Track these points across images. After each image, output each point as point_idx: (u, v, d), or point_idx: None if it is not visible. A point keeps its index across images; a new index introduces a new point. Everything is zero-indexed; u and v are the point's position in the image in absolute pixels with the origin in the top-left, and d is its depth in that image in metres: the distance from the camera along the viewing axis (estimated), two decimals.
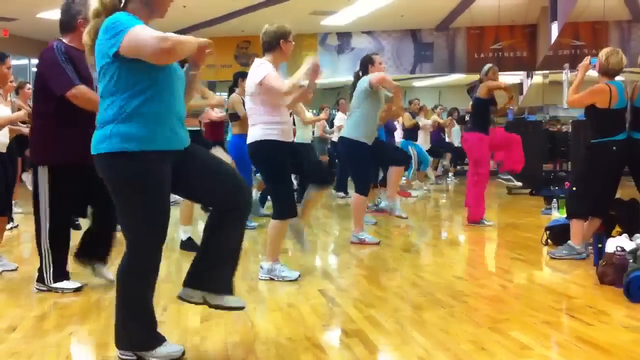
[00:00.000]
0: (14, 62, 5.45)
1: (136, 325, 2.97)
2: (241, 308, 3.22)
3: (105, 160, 2.83)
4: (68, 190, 4.35)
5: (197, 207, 6.46)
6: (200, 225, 6.80)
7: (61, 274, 4.42)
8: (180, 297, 3.19)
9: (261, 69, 4.59)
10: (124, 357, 2.98)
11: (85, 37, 2.90)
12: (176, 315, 3.69)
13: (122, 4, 2.87)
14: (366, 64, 6.40)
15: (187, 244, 5.82)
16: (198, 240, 5.23)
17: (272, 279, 4.72)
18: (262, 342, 3.25)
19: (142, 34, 2.68)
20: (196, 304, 3.19)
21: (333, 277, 4.89)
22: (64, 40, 4.38)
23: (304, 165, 4.95)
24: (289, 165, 4.76)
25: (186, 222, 5.95)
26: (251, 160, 4.95)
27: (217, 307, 3.16)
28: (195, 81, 3.20)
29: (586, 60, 5.35)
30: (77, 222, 6.39)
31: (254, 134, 4.70)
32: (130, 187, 2.84)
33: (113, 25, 2.73)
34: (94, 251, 4.59)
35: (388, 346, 3.22)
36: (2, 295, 4.42)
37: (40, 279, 4.42)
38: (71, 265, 4.56)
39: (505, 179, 7.93)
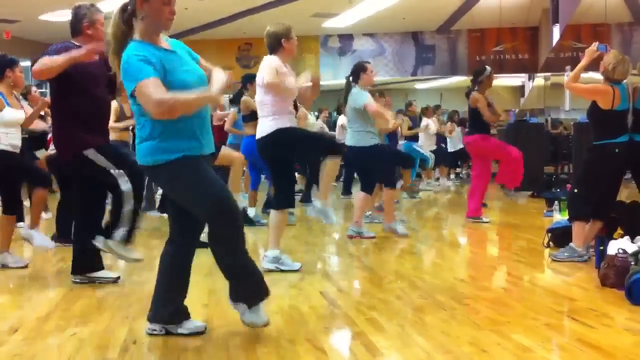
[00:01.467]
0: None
1: (171, 300, 3.38)
2: (264, 325, 3.42)
3: (150, 171, 3.30)
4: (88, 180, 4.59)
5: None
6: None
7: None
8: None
9: (271, 65, 4.82)
10: (153, 332, 3.38)
11: (111, 58, 3.24)
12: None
13: (127, 27, 3.19)
14: (358, 72, 6.58)
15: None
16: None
17: (276, 268, 4.94)
18: (263, 344, 3.25)
19: (146, 94, 3.02)
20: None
21: (334, 279, 4.88)
22: (74, 42, 4.58)
23: (309, 145, 5.04)
24: (293, 159, 5.06)
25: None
26: (260, 155, 5.14)
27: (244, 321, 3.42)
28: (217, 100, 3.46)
29: (593, 45, 5.32)
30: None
31: (264, 128, 4.90)
32: (178, 183, 3.25)
33: (125, 69, 3.10)
34: (85, 266, 4.72)
35: (389, 348, 3.21)
36: (3, 297, 4.42)
37: (77, 271, 4.63)
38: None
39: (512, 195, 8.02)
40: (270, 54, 4.95)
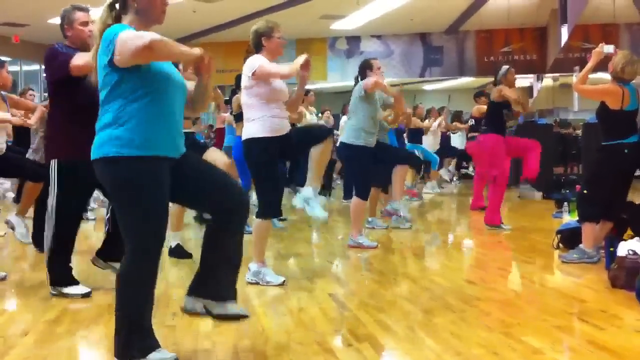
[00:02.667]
0: (25, 67, 5.61)
1: (130, 332, 2.89)
2: (244, 317, 3.32)
3: (103, 164, 2.87)
4: (76, 189, 4.38)
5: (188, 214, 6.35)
6: (189, 232, 6.79)
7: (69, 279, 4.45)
8: (184, 310, 3.28)
9: (254, 60, 4.56)
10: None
11: (92, 57, 2.97)
12: (187, 320, 3.69)
13: (115, 18, 2.96)
14: (364, 69, 6.37)
15: (175, 251, 5.71)
16: (187, 247, 5.23)
17: (257, 283, 4.65)
18: (272, 347, 3.25)
19: (124, 37, 2.75)
20: (199, 314, 3.25)
21: (343, 282, 4.88)
22: (65, 44, 4.52)
23: (296, 140, 4.77)
24: (276, 163, 4.69)
25: (175, 228, 5.78)
26: (244, 158, 4.77)
27: (219, 316, 3.25)
28: (208, 89, 3.24)
29: (600, 47, 5.30)
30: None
31: (248, 131, 4.63)
32: (128, 191, 2.87)
33: (106, 36, 2.82)
34: (112, 252, 4.58)
35: (399, 351, 3.21)
36: (14, 300, 4.44)
37: (53, 283, 4.44)
38: (81, 268, 4.58)
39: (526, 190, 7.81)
40: (256, 52, 4.69)
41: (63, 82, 4.31)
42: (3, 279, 4.91)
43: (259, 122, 4.56)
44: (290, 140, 4.69)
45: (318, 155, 4.77)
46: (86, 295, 4.35)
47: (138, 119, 2.84)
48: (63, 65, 4.25)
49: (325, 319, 3.77)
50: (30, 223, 5.88)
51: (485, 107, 9.03)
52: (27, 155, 6.94)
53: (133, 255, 2.88)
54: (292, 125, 5.26)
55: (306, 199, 4.86)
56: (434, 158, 11.80)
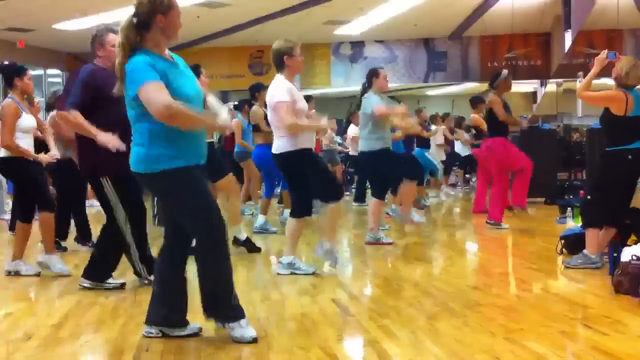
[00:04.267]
0: (29, 72, 5.63)
1: (165, 305, 3.44)
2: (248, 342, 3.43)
3: (146, 179, 3.36)
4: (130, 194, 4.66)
5: None
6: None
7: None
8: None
9: (278, 92, 4.94)
10: (149, 334, 3.45)
11: (117, 68, 3.29)
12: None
13: (139, 38, 3.28)
14: (371, 77, 6.64)
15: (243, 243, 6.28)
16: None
17: (293, 273, 5.08)
18: (275, 352, 3.25)
19: (152, 96, 3.13)
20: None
21: (346, 287, 4.88)
22: (95, 63, 4.76)
23: (316, 178, 5.11)
24: (307, 171, 5.07)
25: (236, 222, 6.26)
26: (279, 169, 5.31)
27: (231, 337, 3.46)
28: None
29: (603, 53, 5.30)
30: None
31: (280, 146, 5.03)
32: (173, 198, 3.38)
33: (131, 72, 3.20)
34: (97, 272, 4.81)
35: (402, 356, 3.20)
36: (17, 304, 4.45)
37: (89, 276, 4.71)
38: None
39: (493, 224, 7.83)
40: (277, 70, 5.06)
41: (95, 101, 4.50)
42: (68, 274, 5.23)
43: (292, 137, 4.94)
44: (314, 159, 5.13)
45: (331, 215, 5.17)
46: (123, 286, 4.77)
47: (166, 138, 3.24)
48: (65, 103, 4.58)
49: (328, 324, 3.77)
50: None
51: (480, 119, 9.23)
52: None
53: (204, 245, 3.36)
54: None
55: (327, 252, 5.25)
56: (436, 167, 11.80)
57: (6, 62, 5.58)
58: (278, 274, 5.13)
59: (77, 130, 4.57)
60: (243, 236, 6.33)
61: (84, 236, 6.80)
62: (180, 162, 3.28)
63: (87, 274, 4.75)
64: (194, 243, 3.48)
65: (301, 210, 5.14)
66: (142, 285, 4.69)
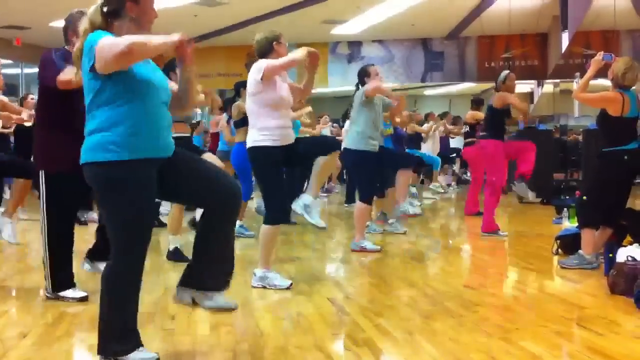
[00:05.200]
0: (26, 70, 5.61)
1: (114, 330, 2.95)
2: (231, 309, 3.34)
3: (90, 169, 2.95)
4: (66, 196, 4.34)
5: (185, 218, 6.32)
6: (186, 237, 6.77)
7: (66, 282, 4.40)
8: (174, 298, 3.32)
9: (259, 64, 4.62)
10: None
11: (75, 57, 3.02)
12: (185, 324, 3.69)
13: (108, 25, 2.98)
14: (362, 76, 6.48)
15: (174, 254, 5.72)
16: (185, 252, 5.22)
17: (264, 287, 4.67)
18: (271, 351, 3.25)
19: (103, 44, 2.81)
20: (187, 304, 3.28)
21: (342, 286, 4.88)
22: (67, 49, 4.44)
23: (303, 149, 4.80)
24: (282, 170, 4.78)
25: (175, 231, 5.80)
26: (250, 162, 4.84)
27: (206, 307, 3.27)
28: (191, 79, 3.25)
29: (599, 55, 5.31)
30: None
31: (251, 138, 4.69)
32: (114, 193, 2.92)
33: (88, 42, 2.89)
34: (100, 252, 4.56)
35: (397, 355, 3.21)
36: (13, 302, 4.44)
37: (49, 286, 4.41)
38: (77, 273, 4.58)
39: (520, 189, 7.69)
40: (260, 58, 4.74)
41: (52, 91, 4.29)
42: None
43: (266, 130, 4.61)
44: (296, 149, 4.73)
45: (323, 166, 4.78)
46: (83, 300, 4.31)
47: (123, 124, 2.90)
48: (52, 78, 4.22)
49: (324, 324, 3.77)
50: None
51: (479, 113, 9.11)
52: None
53: (118, 256, 2.95)
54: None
55: (305, 206, 4.86)
56: (434, 160, 11.80)
57: None
58: (252, 286, 4.72)
59: (75, 86, 3.77)
60: (172, 247, 5.84)
61: None
62: (135, 154, 2.90)
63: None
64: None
65: (275, 216, 4.67)
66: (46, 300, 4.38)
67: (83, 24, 3.02)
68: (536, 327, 3.62)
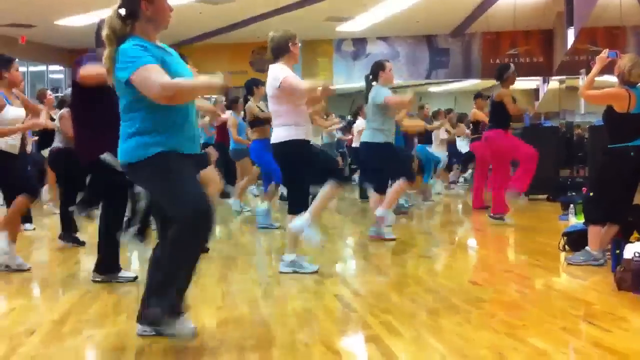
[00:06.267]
0: (31, 68, 5.62)
1: (162, 301, 3.18)
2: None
3: (134, 169, 3.21)
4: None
5: None
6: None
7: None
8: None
9: (280, 72, 4.85)
10: (144, 333, 3.36)
11: (105, 62, 3.19)
12: (193, 319, 3.69)
13: (129, 28, 3.17)
14: (377, 70, 6.65)
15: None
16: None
17: (295, 271, 4.97)
18: (278, 347, 3.25)
19: (149, 77, 3.01)
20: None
21: (349, 283, 4.88)
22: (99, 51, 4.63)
23: (319, 164, 5.04)
24: (305, 164, 4.97)
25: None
26: (275, 160, 5.22)
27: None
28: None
29: (604, 53, 5.31)
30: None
31: (279, 135, 4.97)
32: (159, 177, 3.17)
33: (124, 55, 3.08)
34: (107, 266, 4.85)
35: (404, 352, 3.20)
36: (20, 300, 4.45)
37: (99, 270, 4.74)
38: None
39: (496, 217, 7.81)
40: (275, 59, 4.96)
41: (82, 90, 4.47)
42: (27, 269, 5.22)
43: (292, 127, 4.90)
44: (312, 151, 5.05)
45: (329, 194, 5.00)
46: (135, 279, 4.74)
47: (158, 128, 3.14)
48: (75, 76, 4.53)
49: (330, 320, 3.77)
50: None
51: (481, 114, 9.27)
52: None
53: (181, 232, 3.11)
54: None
55: (301, 228, 4.96)
56: (439, 158, 11.78)
57: None
58: (281, 272, 5.08)
59: (99, 80, 4.17)
60: None
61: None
62: (161, 148, 3.14)
63: (98, 268, 4.78)
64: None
65: (298, 205, 5.01)
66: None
67: (104, 31, 3.18)
68: (543, 324, 3.61)
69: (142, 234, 4.59)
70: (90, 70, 4.42)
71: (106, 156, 4.48)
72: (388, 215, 6.54)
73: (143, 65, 3.02)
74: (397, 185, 6.52)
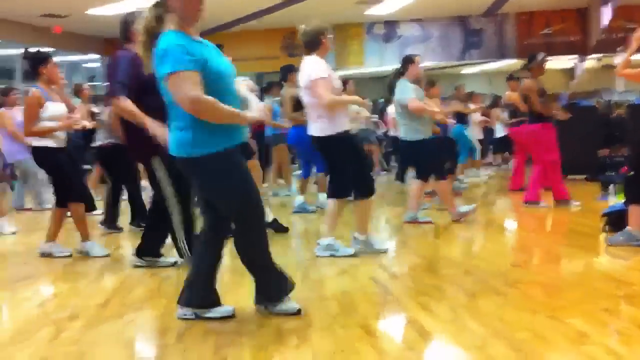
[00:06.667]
0: (67, 58, 5.68)
1: (202, 285, 3.44)
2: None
3: (186, 164, 3.29)
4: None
5: None
6: None
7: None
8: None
9: (315, 68, 4.90)
10: (185, 316, 3.45)
11: (140, 51, 3.28)
12: (231, 302, 3.72)
13: (159, 20, 3.23)
14: (406, 64, 6.63)
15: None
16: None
17: (332, 255, 5.03)
18: (316, 330, 3.27)
19: (182, 86, 3.08)
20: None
21: (386, 266, 4.87)
22: (127, 48, 4.72)
23: (356, 167, 5.05)
24: (350, 156, 5.02)
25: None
26: (320, 153, 5.24)
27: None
28: None
29: (638, 31, 5.21)
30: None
31: (318, 128, 4.99)
32: (216, 178, 3.26)
33: (164, 54, 3.13)
34: (149, 248, 4.96)
35: (443, 334, 3.20)
36: (63, 286, 4.54)
37: (142, 254, 4.87)
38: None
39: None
40: (309, 52, 5.00)
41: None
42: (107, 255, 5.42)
43: (330, 119, 4.91)
44: (353, 144, 5.10)
45: (363, 211, 5.15)
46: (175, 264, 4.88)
47: (206, 121, 3.16)
48: (111, 93, 4.60)
49: (368, 303, 3.78)
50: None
51: (515, 96, 9.00)
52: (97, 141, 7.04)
53: (247, 224, 3.36)
54: None
55: (363, 243, 5.19)
56: (474, 147, 11.66)
57: (31, 49, 5.44)
58: (317, 256, 5.11)
59: (130, 119, 4.52)
60: (270, 218, 6.22)
61: (142, 218, 6.82)
62: (221, 145, 3.23)
63: (139, 252, 4.85)
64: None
65: (340, 191, 5.11)
66: (185, 265, 4.75)
67: (143, 21, 3.25)
68: (583, 305, 3.57)
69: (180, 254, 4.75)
70: (126, 106, 4.50)
71: (156, 162, 4.57)
72: (463, 209, 6.71)
73: (181, 71, 3.08)
74: (440, 187, 6.71)
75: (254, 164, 6.11)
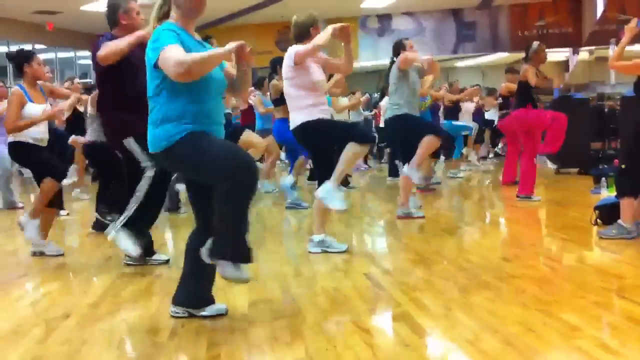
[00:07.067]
0: (60, 54, 5.68)
1: (195, 285, 3.43)
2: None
3: (164, 156, 3.23)
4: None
5: None
6: None
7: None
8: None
9: (290, 50, 4.89)
10: (177, 314, 3.46)
11: (120, 46, 3.46)
12: (223, 299, 3.73)
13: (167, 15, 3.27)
14: (398, 50, 6.57)
15: None
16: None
17: (324, 251, 5.01)
18: (308, 326, 3.27)
19: (167, 57, 3.02)
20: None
21: (378, 261, 4.88)
22: (113, 34, 4.69)
23: (339, 132, 4.92)
24: (329, 137, 4.94)
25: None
26: (299, 143, 5.21)
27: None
28: (248, 75, 3.50)
29: (633, 22, 5.22)
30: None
31: (296, 119, 4.95)
32: (193, 153, 3.15)
33: (155, 39, 3.12)
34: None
35: (435, 329, 3.21)
36: (55, 284, 4.53)
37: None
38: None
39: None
40: (296, 42, 4.96)
41: (104, 72, 4.51)
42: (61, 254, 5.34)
43: (307, 110, 4.87)
44: (329, 123, 5.00)
45: (353, 155, 4.86)
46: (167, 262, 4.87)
47: (182, 115, 3.15)
48: (94, 58, 4.55)
49: (360, 299, 3.78)
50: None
51: (513, 85, 9.01)
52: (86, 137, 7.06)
53: (236, 185, 3.08)
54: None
55: (327, 192, 4.90)
56: (470, 128, 11.65)
57: (13, 50, 5.45)
58: (310, 252, 5.10)
59: (115, 50, 4.39)
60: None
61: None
62: (190, 129, 3.15)
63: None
64: None
65: (328, 175, 4.93)
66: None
67: (153, 12, 3.30)
68: (575, 299, 3.59)
69: (131, 228, 4.42)
70: (109, 47, 4.44)
71: (129, 142, 4.52)
72: (414, 175, 6.32)
73: (165, 47, 3.04)
74: (426, 140, 6.22)
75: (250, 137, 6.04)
